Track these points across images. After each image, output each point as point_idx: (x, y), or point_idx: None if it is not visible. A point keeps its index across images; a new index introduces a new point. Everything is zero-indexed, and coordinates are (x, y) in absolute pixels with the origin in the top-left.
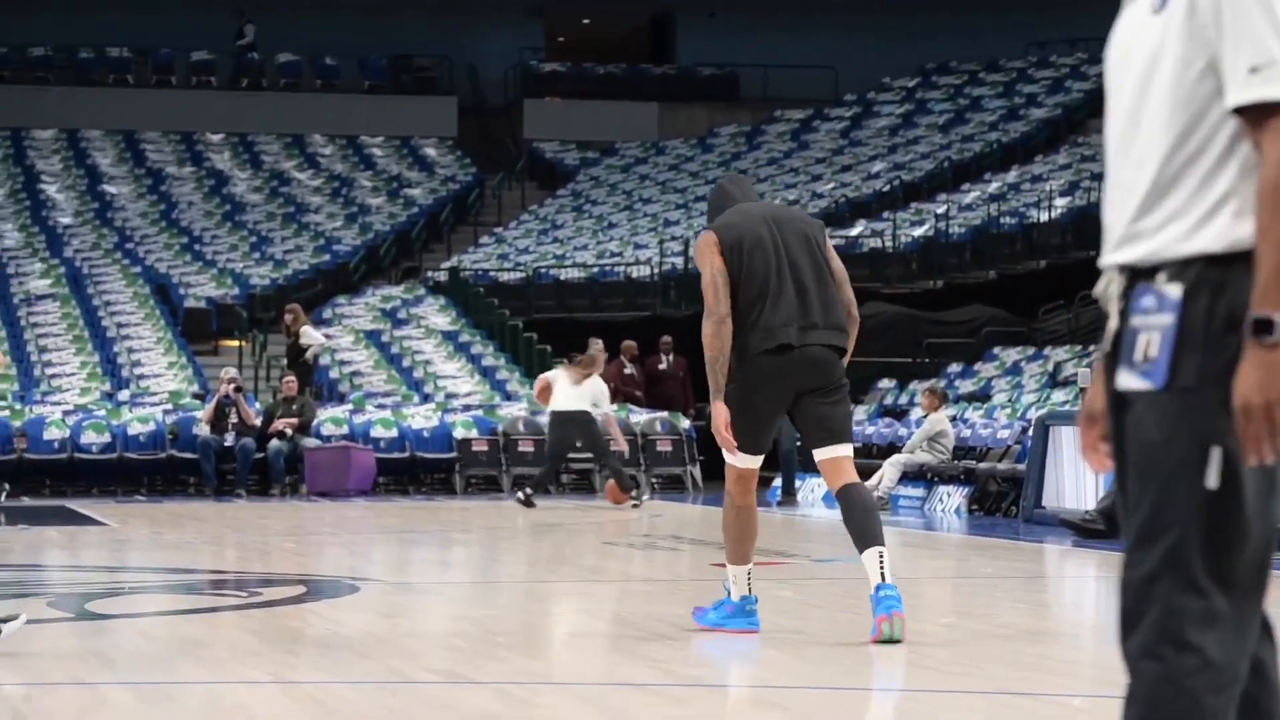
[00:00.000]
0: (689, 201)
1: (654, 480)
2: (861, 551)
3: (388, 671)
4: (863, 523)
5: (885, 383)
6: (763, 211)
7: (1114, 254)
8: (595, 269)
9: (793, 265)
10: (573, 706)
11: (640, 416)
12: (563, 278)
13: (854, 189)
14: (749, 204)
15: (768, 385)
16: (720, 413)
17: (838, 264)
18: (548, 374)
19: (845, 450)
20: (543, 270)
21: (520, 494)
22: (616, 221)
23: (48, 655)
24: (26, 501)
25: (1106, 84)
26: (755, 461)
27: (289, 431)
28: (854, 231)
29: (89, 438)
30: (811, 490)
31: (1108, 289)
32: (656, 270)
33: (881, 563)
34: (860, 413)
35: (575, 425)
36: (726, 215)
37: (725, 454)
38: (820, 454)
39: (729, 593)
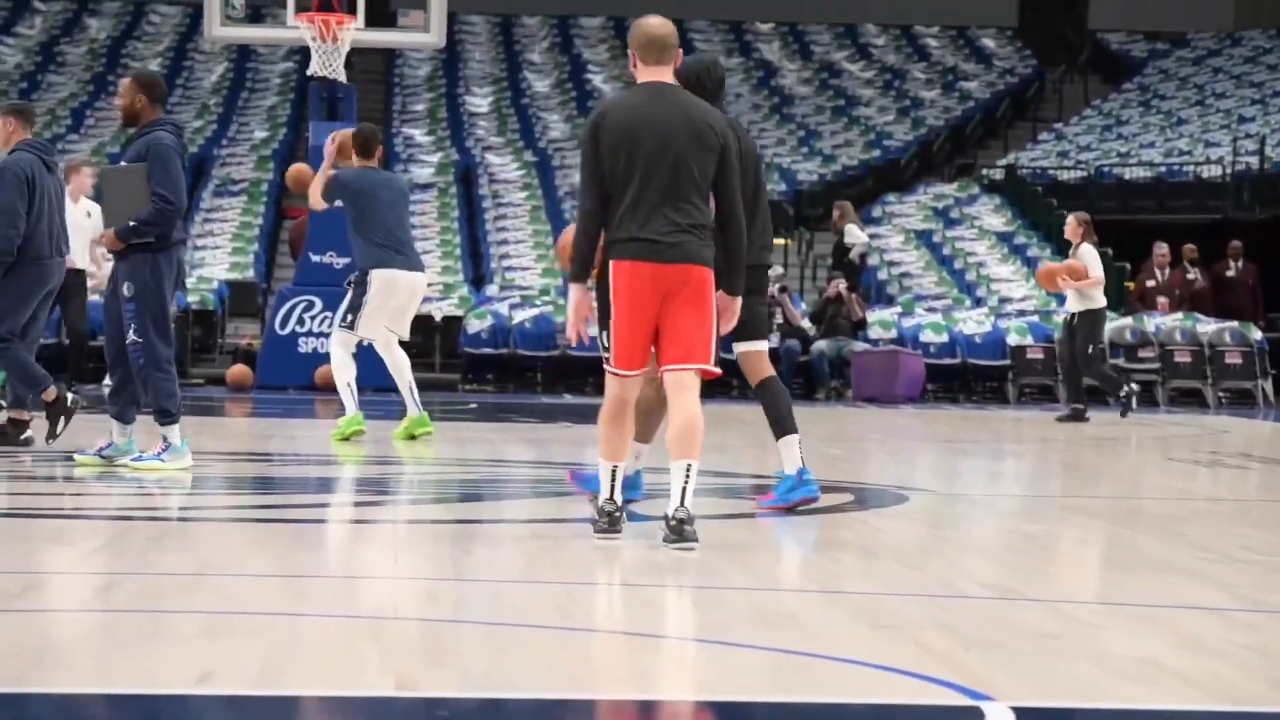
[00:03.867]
0: (1266, 97)
1: (1221, 394)
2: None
3: (937, 584)
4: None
5: None
6: None
7: None
8: (1162, 168)
9: None
10: (1134, 628)
11: (1208, 326)
12: (1126, 177)
13: None
14: None
15: None
16: None
17: None
18: None
19: None
20: (1105, 169)
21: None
22: (1186, 118)
23: (592, 555)
24: (568, 399)
25: None
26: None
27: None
28: None
29: None
30: None
31: None
32: (1229, 170)
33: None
34: None
35: None
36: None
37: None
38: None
39: (783, 475)
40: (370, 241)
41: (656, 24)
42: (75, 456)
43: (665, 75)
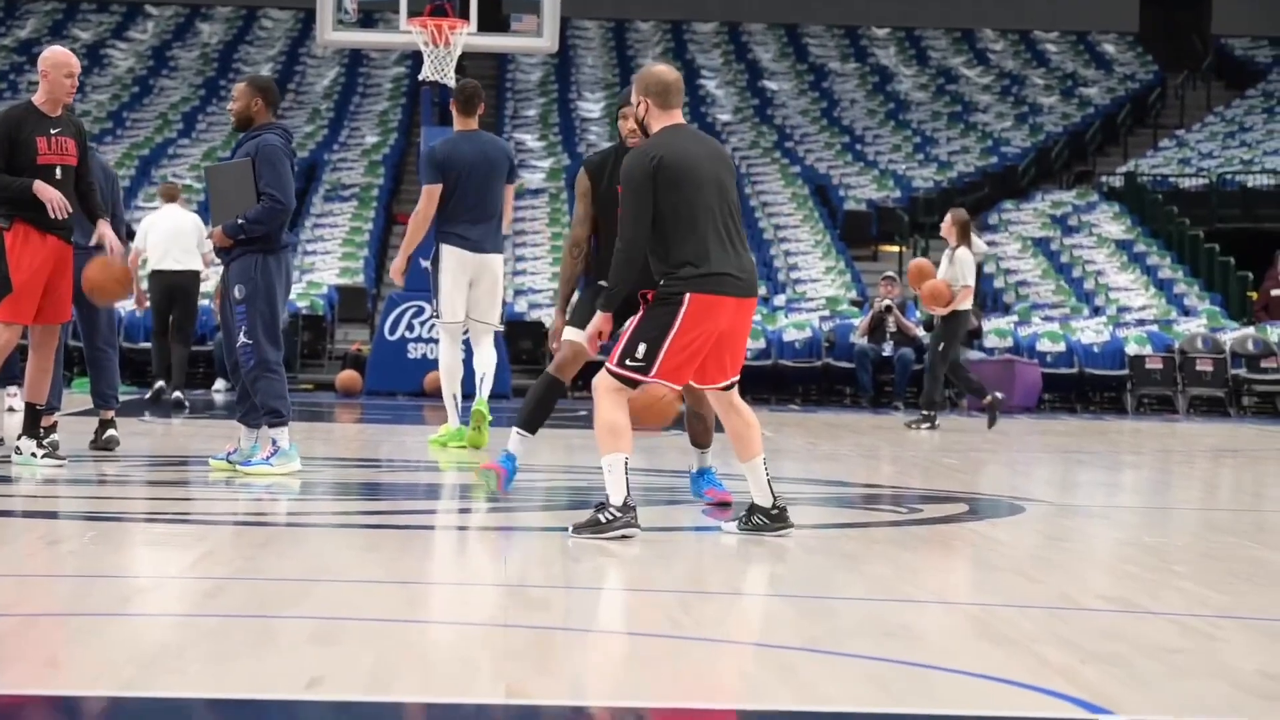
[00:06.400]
0: None
1: None
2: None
3: (1056, 597)
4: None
5: None
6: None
7: None
8: None
9: None
10: (1259, 642)
11: None
12: (1249, 185)
13: None
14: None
15: None
16: None
17: None
18: None
19: None
20: (1227, 176)
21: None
22: None
23: (703, 563)
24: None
25: None
26: None
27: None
28: None
29: None
30: None
31: None
32: None
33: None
34: None
35: None
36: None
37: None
38: None
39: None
40: (443, 214)
41: (667, 70)
42: (209, 461)
43: (680, 117)
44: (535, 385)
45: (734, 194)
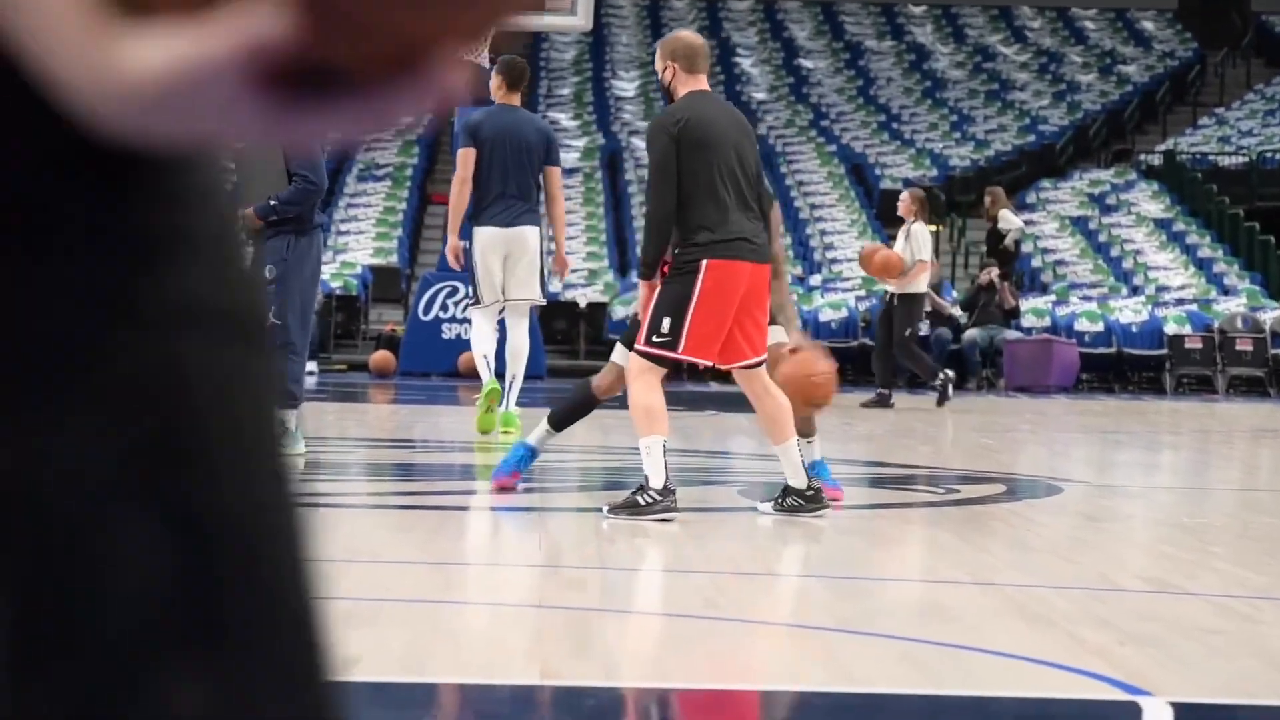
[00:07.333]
0: None
1: None
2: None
3: (1095, 577)
4: None
5: None
6: None
7: None
8: None
9: None
10: None
11: None
12: None
13: None
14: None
15: None
16: None
17: None
18: None
19: None
20: (1268, 155)
21: None
22: None
23: (738, 543)
24: (714, 387)
25: None
26: None
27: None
28: None
29: None
30: None
31: None
32: None
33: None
34: None
35: None
36: None
37: None
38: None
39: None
40: (476, 188)
41: (693, 35)
42: None
43: (706, 84)
44: (575, 389)
45: (753, 164)
